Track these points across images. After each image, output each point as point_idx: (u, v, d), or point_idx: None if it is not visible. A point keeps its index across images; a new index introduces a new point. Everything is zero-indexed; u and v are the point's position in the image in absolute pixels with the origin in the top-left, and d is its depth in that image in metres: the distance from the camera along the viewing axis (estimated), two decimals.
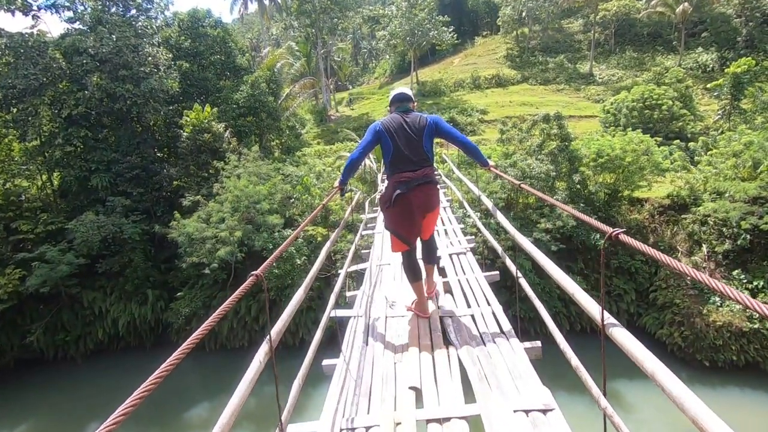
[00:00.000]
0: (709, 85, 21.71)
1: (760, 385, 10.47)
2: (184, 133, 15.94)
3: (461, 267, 4.72)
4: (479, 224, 5.30)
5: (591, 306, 1.70)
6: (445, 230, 6.50)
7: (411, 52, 31.61)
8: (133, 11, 17.36)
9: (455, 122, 23.96)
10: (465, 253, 5.16)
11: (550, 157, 13.60)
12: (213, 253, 12.06)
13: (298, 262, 12.59)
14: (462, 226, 6.73)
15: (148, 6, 17.76)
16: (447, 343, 3.03)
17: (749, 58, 19.30)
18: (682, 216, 13.48)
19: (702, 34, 29.57)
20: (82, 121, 15.07)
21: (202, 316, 12.96)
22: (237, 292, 1.42)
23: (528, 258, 12.60)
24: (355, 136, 22.47)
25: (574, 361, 2.02)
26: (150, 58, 16.33)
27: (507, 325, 3.18)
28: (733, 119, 18.35)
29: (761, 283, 11.44)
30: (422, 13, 29.14)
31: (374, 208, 9.16)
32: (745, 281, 11.67)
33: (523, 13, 33.54)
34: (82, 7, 16.47)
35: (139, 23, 17.03)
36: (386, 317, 3.55)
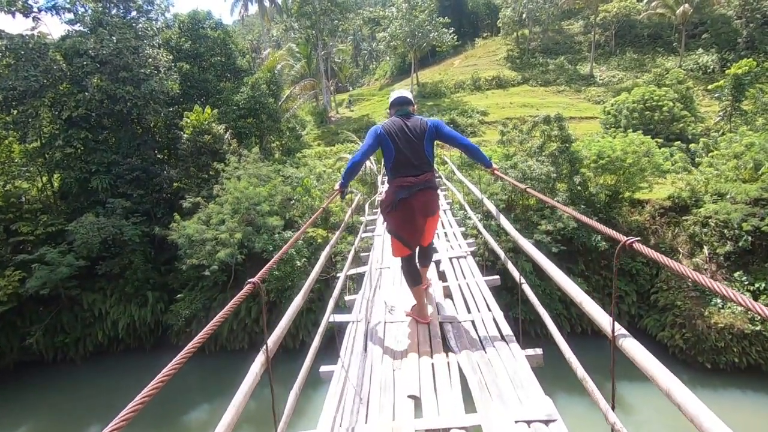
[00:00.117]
0: (709, 87, 21.69)
1: (761, 388, 10.43)
2: (185, 135, 15.94)
3: (461, 271, 4.67)
4: (480, 227, 5.25)
5: (600, 316, 1.64)
6: (446, 233, 6.43)
7: (411, 54, 31.61)
8: (134, 13, 17.38)
9: (456, 124, 23.94)
10: (465, 257, 5.10)
11: (550, 158, 13.58)
12: (213, 255, 12.04)
13: (298, 264, 12.57)
14: (462, 229, 6.66)
15: (149, 8, 17.79)
16: (447, 349, 2.98)
17: (750, 59, 19.28)
18: (683, 217, 13.45)
19: (702, 35, 29.55)
20: (83, 122, 15.08)
21: (202, 318, 12.95)
22: (234, 300, 1.40)
23: (529, 260, 12.59)
24: (356, 137, 22.46)
25: (580, 372, 1.97)
26: (150, 60, 16.35)
27: (508, 331, 3.14)
28: (734, 120, 18.32)
29: (763, 285, 11.40)
30: (422, 15, 29.16)
31: (374, 210, 9.13)
32: (746, 283, 11.63)
33: (524, 15, 33.54)
34: (82, 9, 16.49)
35: (140, 25, 17.05)
36: (385, 322, 3.50)
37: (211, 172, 15.09)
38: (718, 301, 11.46)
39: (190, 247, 12.47)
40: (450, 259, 5.07)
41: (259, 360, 1.69)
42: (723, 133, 16.97)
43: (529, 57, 34.16)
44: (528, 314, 11.24)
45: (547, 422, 2.12)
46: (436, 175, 12.02)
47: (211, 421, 10.88)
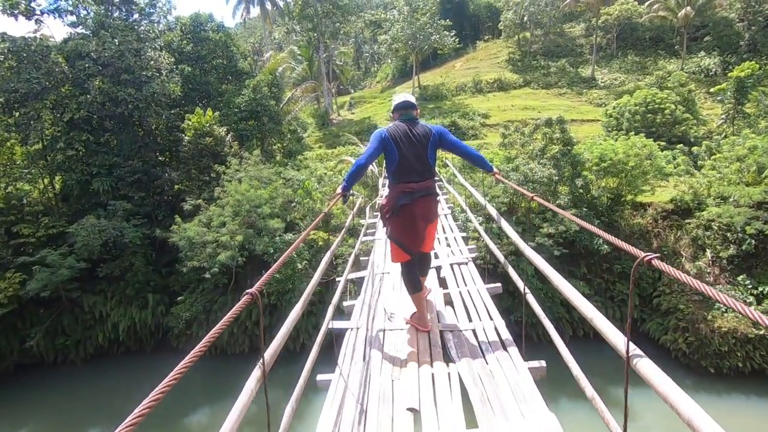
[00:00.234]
0: (712, 90, 21.63)
1: (766, 392, 10.34)
2: (186, 137, 15.94)
3: (462, 278, 4.59)
4: (481, 231, 5.20)
5: (613, 335, 1.57)
6: (446, 239, 6.34)
7: (413, 56, 31.64)
8: (136, 15, 17.44)
9: (457, 126, 23.92)
10: (467, 264, 5.02)
11: (552, 161, 13.53)
12: (214, 258, 12.01)
13: (299, 266, 12.54)
14: (464, 234, 6.56)
15: (151, 10, 17.84)
16: (447, 359, 2.92)
17: (752, 62, 19.23)
18: (686, 221, 13.38)
19: (704, 38, 29.52)
20: (84, 125, 15.09)
21: (202, 320, 12.92)
22: (233, 311, 1.35)
23: (531, 263, 12.53)
24: (357, 140, 22.45)
25: (589, 391, 1.90)
26: (152, 62, 16.37)
27: (510, 342, 3.06)
28: (737, 123, 18.26)
29: (766, 289, 11.33)
30: (424, 18, 29.19)
31: (374, 214, 9.08)
32: (750, 287, 11.56)
33: (525, 18, 33.57)
34: (85, 12, 16.55)
35: (142, 27, 17.10)
36: (384, 330, 3.44)
37: (212, 175, 15.08)
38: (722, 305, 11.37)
39: (191, 250, 12.45)
40: (451, 265, 4.99)
41: (255, 375, 1.62)
42: (726, 136, 16.90)
43: (530, 59, 34.17)
44: (530, 317, 11.16)
45: None
46: (437, 178, 11.99)
47: (211, 425, 10.82)
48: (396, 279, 4.53)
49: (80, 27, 16.36)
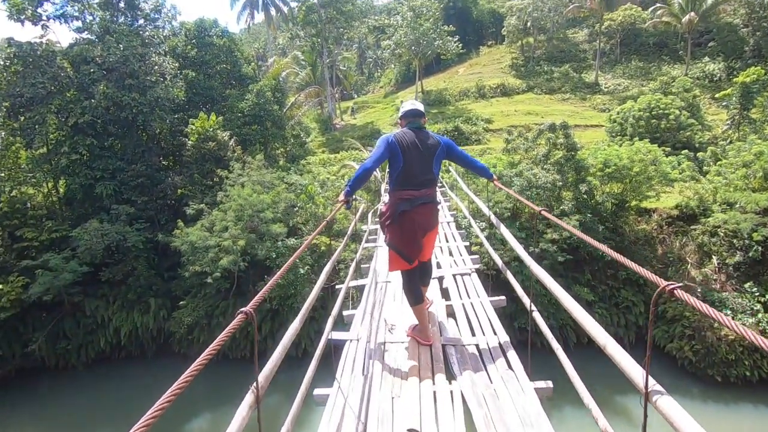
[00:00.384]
0: (717, 95, 21.53)
1: None
2: (189, 142, 15.99)
3: (465, 289, 4.47)
4: (484, 240, 5.10)
5: (630, 368, 1.44)
6: (449, 248, 6.20)
7: (416, 62, 31.70)
8: (141, 21, 17.58)
9: (460, 131, 23.89)
10: (470, 274, 4.90)
11: (556, 166, 13.46)
12: (216, 262, 11.98)
13: (302, 271, 12.50)
14: (467, 243, 6.40)
15: (156, 16, 17.97)
16: (449, 375, 2.82)
17: (758, 67, 19.13)
18: (692, 227, 13.26)
19: (709, 43, 29.43)
20: (88, 129, 15.16)
21: (204, 325, 12.88)
22: (226, 331, 1.29)
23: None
24: (360, 145, 22.45)
25: (602, 422, 1.80)
26: (156, 67, 16.47)
27: (516, 360, 2.93)
28: (743, 129, 18.14)
29: None
30: (427, 23, 29.27)
31: (376, 220, 9.01)
32: (757, 294, 11.41)
33: (528, 23, 33.59)
34: (90, 17, 16.69)
35: (147, 33, 17.22)
36: (385, 342, 3.33)
37: (215, 179, 15.10)
38: (728, 312, 11.24)
39: (193, 254, 12.43)
40: (454, 276, 4.88)
41: (247, 401, 1.51)
42: (731, 142, 16.79)
43: (533, 65, 34.16)
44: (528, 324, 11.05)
45: None
46: (439, 184, 11.87)
47: (212, 431, 10.76)
48: (397, 288, 4.41)
49: (86, 32, 16.51)
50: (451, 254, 5.94)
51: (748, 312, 11.16)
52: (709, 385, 10.75)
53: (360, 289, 4.98)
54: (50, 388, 12.75)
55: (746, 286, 11.62)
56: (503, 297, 4.11)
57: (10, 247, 13.79)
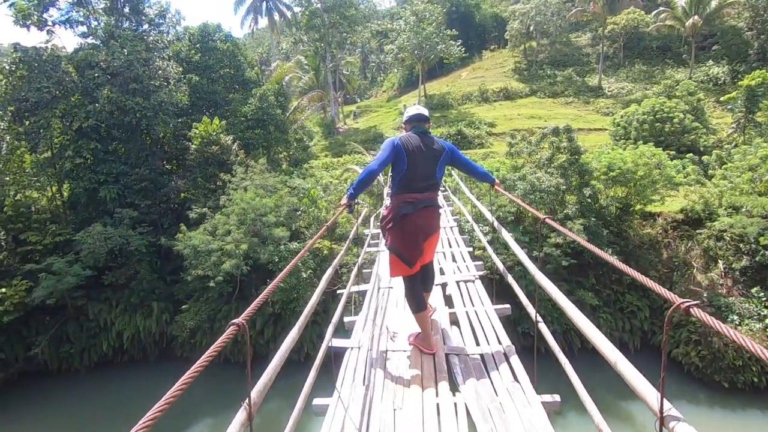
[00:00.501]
0: (722, 98, 21.41)
1: None
2: (193, 146, 16.03)
3: (469, 297, 4.39)
4: (488, 246, 5.03)
5: (644, 390, 1.36)
6: (452, 254, 6.09)
7: (419, 66, 31.76)
8: (145, 26, 17.70)
9: (463, 135, 23.87)
10: (473, 281, 4.82)
11: (559, 170, 13.39)
12: (218, 266, 11.97)
13: (304, 275, 12.46)
14: (470, 249, 6.30)
15: (160, 21, 18.09)
16: (453, 387, 2.74)
17: (763, 70, 19.03)
18: (697, 231, 13.15)
19: (713, 47, 29.34)
20: (93, 133, 15.22)
21: (206, 329, 12.84)
22: (217, 343, 1.25)
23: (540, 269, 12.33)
24: (363, 149, 22.47)
25: None
26: (160, 72, 16.55)
27: (521, 371, 2.84)
28: (748, 132, 18.02)
29: None
30: (430, 27, 29.34)
31: (378, 224, 8.94)
32: (764, 299, 11.29)
33: (531, 27, 33.62)
34: (95, 23, 16.82)
35: (151, 38, 17.33)
36: (387, 351, 3.25)
37: (218, 183, 15.13)
38: (735, 317, 11.11)
39: (196, 258, 12.42)
40: (457, 282, 4.79)
41: (239, 419, 1.42)
42: (736, 145, 16.68)
43: (536, 69, 34.16)
44: (531, 328, 10.96)
45: None
46: (442, 188, 11.81)
47: None
48: (400, 294, 4.34)
49: (90, 37, 16.62)
50: (454, 260, 5.84)
51: (755, 317, 11.03)
52: (716, 391, 10.62)
53: (362, 294, 4.91)
54: (53, 392, 12.74)
55: (753, 290, 11.50)
56: (508, 305, 4.03)
57: (14, 251, 13.83)
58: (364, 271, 5.72)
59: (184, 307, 13.41)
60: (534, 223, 13.35)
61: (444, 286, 4.71)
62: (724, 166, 14.30)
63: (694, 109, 19.56)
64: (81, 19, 16.51)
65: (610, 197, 13.88)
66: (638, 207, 14.01)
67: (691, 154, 16.71)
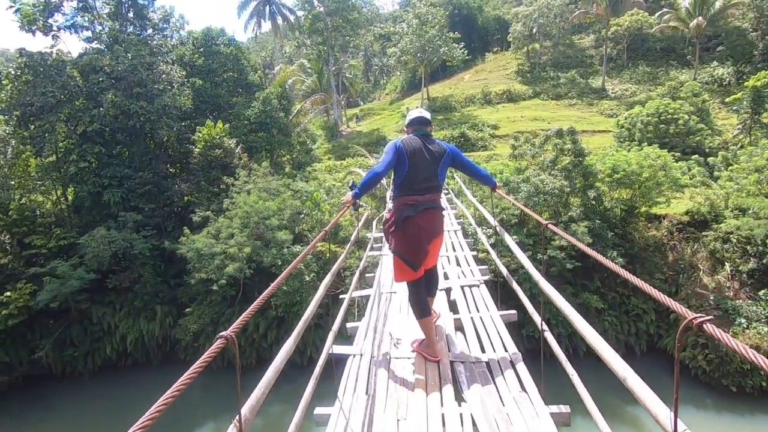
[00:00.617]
0: (727, 99, 21.28)
1: None
2: (196, 149, 16.08)
3: (474, 302, 4.30)
4: (491, 250, 4.97)
5: (655, 406, 1.31)
6: (456, 258, 6.00)
7: (422, 68, 31.77)
8: (150, 30, 17.82)
9: (466, 137, 23.82)
10: (478, 286, 4.73)
11: (563, 172, 13.31)
12: (221, 269, 11.97)
13: (307, 278, 12.43)
14: (474, 253, 6.22)
15: (164, 26, 18.21)
16: (458, 396, 2.67)
17: None
18: (703, 233, 13.03)
19: (717, 48, 29.18)
20: (97, 137, 15.31)
21: (209, 333, 12.82)
22: (205, 356, 1.20)
23: (545, 270, 12.24)
24: (366, 152, 22.46)
25: None
26: (164, 76, 16.64)
27: (528, 379, 2.77)
28: (754, 133, 17.89)
29: None
30: (433, 30, 29.36)
31: (380, 227, 8.89)
32: None
33: (534, 30, 33.58)
34: (100, 27, 16.94)
35: (155, 42, 17.44)
36: (390, 358, 3.18)
37: (221, 186, 15.16)
38: (743, 320, 10.98)
39: (199, 261, 12.43)
40: (462, 287, 4.71)
41: None
42: (742, 147, 16.54)
43: (539, 71, 34.09)
44: (536, 332, 10.87)
45: None
46: (445, 190, 11.74)
47: None
48: (403, 299, 4.26)
49: (95, 42, 16.75)
50: (458, 264, 5.75)
51: (762, 320, 10.90)
52: (723, 396, 10.48)
53: (365, 297, 4.85)
54: (57, 396, 12.75)
55: (761, 293, 11.36)
56: (514, 311, 3.96)
57: (19, 255, 13.90)
58: (367, 275, 5.65)
59: (187, 310, 13.41)
60: (538, 226, 13.26)
61: (448, 291, 4.62)
62: (730, 168, 14.17)
63: (699, 111, 19.43)
64: (86, 24, 16.65)
65: (615, 199, 13.78)
66: (643, 209, 13.91)
67: (696, 156, 16.59)
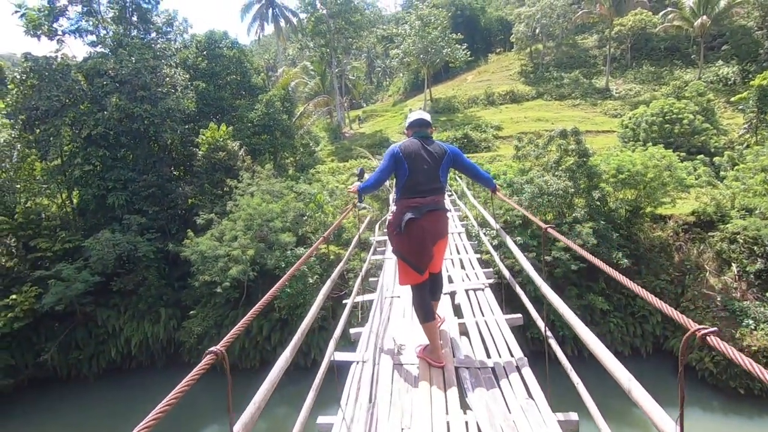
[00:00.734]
0: (733, 99, 21.11)
1: None
2: (200, 152, 16.13)
3: (479, 306, 4.25)
4: (494, 253, 4.92)
5: (661, 420, 1.29)
6: (461, 260, 5.92)
7: (424, 70, 31.78)
8: (153, 34, 17.91)
9: (469, 138, 23.77)
10: (483, 290, 4.67)
11: (567, 173, 13.24)
12: (225, 272, 11.98)
13: (311, 281, 12.42)
14: (479, 255, 6.16)
15: (168, 29, 18.30)
16: (464, 404, 2.63)
17: None
18: (709, 233, 12.92)
19: (722, 47, 28.99)
20: (101, 140, 15.39)
21: (213, 335, 12.84)
22: (193, 372, 1.17)
23: (547, 275, 12.18)
24: (369, 153, 22.46)
25: None
26: (168, 79, 16.70)
27: (534, 385, 2.72)
28: (761, 133, 17.73)
29: None
30: (435, 32, 29.36)
31: (384, 230, 8.85)
32: None
33: (537, 30, 33.51)
34: (104, 32, 17.04)
35: (158, 45, 17.52)
36: (393, 365, 3.14)
37: (225, 189, 15.19)
38: (750, 322, 10.86)
39: (203, 264, 12.45)
40: (466, 291, 4.65)
41: None
42: (748, 146, 16.41)
43: (543, 71, 34.00)
44: (539, 334, 10.79)
45: None
46: (448, 192, 11.67)
47: None
48: (407, 304, 4.22)
49: (99, 46, 16.85)
50: (462, 267, 5.68)
51: None
52: (731, 398, 10.37)
53: (368, 301, 4.81)
54: (62, 398, 12.79)
55: None
56: (520, 315, 3.90)
57: (24, 258, 13.97)
58: (370, 279, 5.60)
59: (191, 312, 13.43)
60: (542, 228, 13.18)
61: (453, 294, 4.57)
62: (737, 168, 14.05)
63: (704, 110, 19.30)
64: (90, 29, 16.75)
65: (620, 200, 13.69)
66: (648, 209, 13.81)
67: (701, 156, 16.46)
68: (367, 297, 4.90)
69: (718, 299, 11.53)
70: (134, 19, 17.40)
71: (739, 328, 10.80)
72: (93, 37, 16.89)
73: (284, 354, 1.79)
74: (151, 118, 15.54)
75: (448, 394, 2.69)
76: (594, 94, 29.98)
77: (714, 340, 1.09)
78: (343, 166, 21.70)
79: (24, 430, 11.54)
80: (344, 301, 4.14)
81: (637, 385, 1.45)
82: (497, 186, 3.65)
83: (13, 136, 15.16)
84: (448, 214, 3.28)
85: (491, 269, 5.60)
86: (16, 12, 15.39)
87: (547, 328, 2.64)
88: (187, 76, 18.02)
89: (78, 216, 16.33)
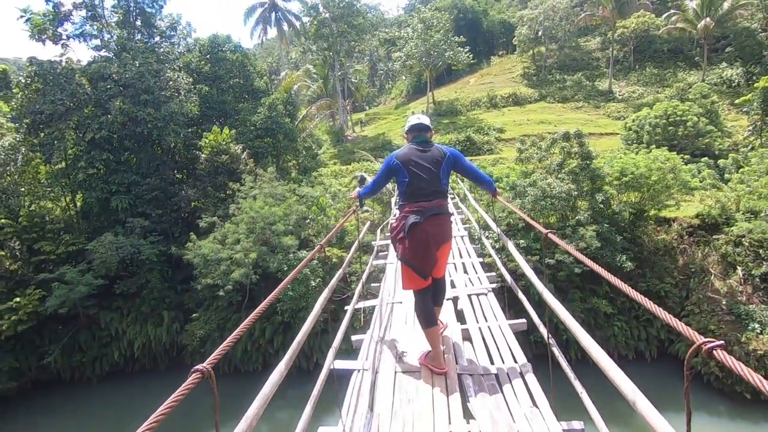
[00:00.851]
0: (737, 101, 21.02)
1: None
2: (203, 155, 16.17)
3: (482, 311, 4.21)
4: (495, 257, 4.88)
5: (665, 429, 1.28)
6: (464, 264, 5.86)
7: (427, 73, 31.81)
8: (157, 38, 18.00)
9: (472, 141, 23.76)
10: (486, 294, 4.62)
11: (571, 175, 13.20)
12: (228, 275, 11.98)
13: (313, 284, 12.40)
14: (481, 259, 6.11)
15: (171, 33, 18.39)
16: (467, 412, 2.58)
17: None
18: (714, 236, 12.83)
19: (726, 49, 28.90)
20: (105, 144, 15.45)
21: (216, 338, 12.83)
22: (178, 391, 1.14)
23: (550, 277, 12.11)
24: (371, 156, 22.47)
25: None
26: (171, 83, 16.77)
27: (539, 393, 2.68)
28: (765, 135, 17.63)
29: None
30: (438, 35, 29.41)
31: (386, 235, 8.82)
32: None
33: (540, 32, 33.52)
34: (108, 36, 17.15)
35: (162, 49, 17.60)
36: (395, 372, 3.09)
37: (227, 192, 15.22)
38: (756, 325, 10.76)
39: (206, 267, 12.46)
40: (469, 296, 4.60)
41: None
42: (753, 148, 16.31)
43: (545, 74, 33.98)
44: (541, 337, 10.72)
45: None
46: (451, 195, 11.64)
47: None
48: (409, 310, 4.17)
49: (103, 50, 16.96)
50: (465, 271, 5.63)
51: None
52: (736, 402, 10.26)
53: (370, 307, 4.76)
54: (65, 401, 12.81)
55: None
56: (524, 320, 3.85)
57: (28, 261, 14.03)
58: (372, 284, 5.54)
59: (194, 315, 13.44)
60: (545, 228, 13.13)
61: (455, 300, 4.52)
62: (741, 170, 13.96)
63: (708, 112, 19.22)
64: (94, 33, 16.85)
65: (623, 202, 13.63)
66: (652, 212, 13.74)
67: (706, 158, 16.37)
68: (368, 303, 4.85)
69: (724, 303, 11.43)
70: (138, 23, 17.50)
71: (745, 332, 10.70)
72: (97, 42, 17.01)
73: (278, 368, 1.74)
74: (154, 122, 15.60)
75: (450, 402, 2.65)
76: (597, 96, 29.93)
77: (721, 354, 1.05)
78: (346, 169, 21.72)
79: (28, 431, 11.56)
80: (345, 307, 4.10)
81: (642, 397, 1.42)
82: (498, 190, 3.64)
83: (17, 139, 15.26)
84: (451, 218, 3.26)
85: (494, 273, 5.52)
86: (22, 17, 15.51)
87: (550, 335, 2.60)
88: (191, 79, 18.09)
89: (81, 219, 16.39)
